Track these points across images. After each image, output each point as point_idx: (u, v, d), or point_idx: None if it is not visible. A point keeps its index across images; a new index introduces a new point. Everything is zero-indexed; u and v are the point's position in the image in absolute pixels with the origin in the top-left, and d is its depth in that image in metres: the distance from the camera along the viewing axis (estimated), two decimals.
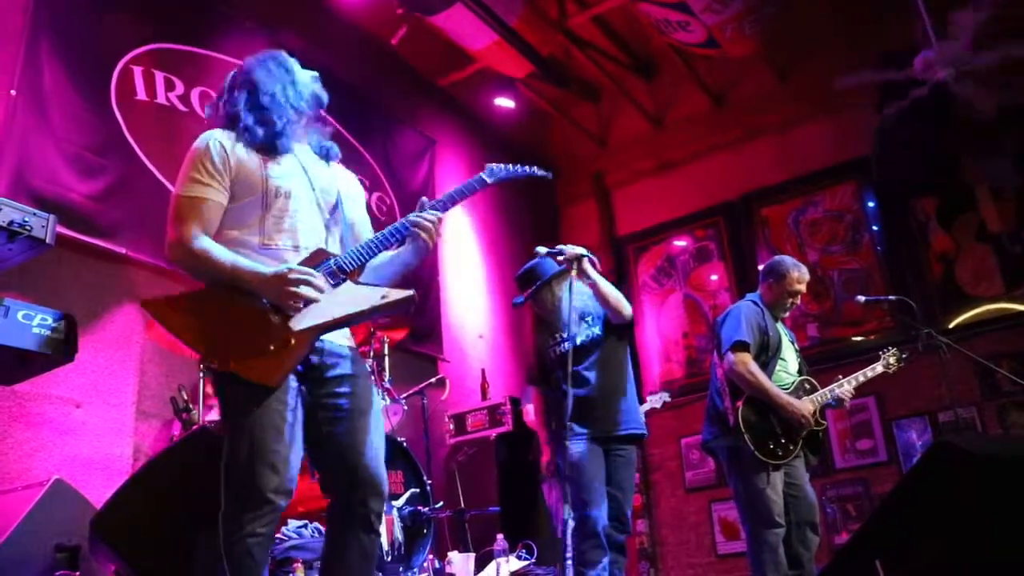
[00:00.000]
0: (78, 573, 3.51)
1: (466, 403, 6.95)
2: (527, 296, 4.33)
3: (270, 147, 2.69)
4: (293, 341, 2.44)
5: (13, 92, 4.58)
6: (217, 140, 2.66)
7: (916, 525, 1.70)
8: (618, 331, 4.34)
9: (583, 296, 4.28)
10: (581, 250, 4.01)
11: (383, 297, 2.55)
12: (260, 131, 2.67)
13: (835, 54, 7.97)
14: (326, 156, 2.90)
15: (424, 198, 2.79)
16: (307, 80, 2.82)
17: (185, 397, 4.29)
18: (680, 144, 9.01)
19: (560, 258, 4.05)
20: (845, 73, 7.44)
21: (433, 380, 5.93)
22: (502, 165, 3.03)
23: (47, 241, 2.77)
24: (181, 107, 5.57)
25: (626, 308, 4.23)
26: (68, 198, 4.71)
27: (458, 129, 8.55)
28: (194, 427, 3.94)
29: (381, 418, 2.71)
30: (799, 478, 4.43)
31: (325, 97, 2.85)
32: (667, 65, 8.94)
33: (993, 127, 7.18)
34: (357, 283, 2.61)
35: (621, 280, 9.02)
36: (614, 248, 9.20)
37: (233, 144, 2.66)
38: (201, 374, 4.43)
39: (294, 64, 2.85)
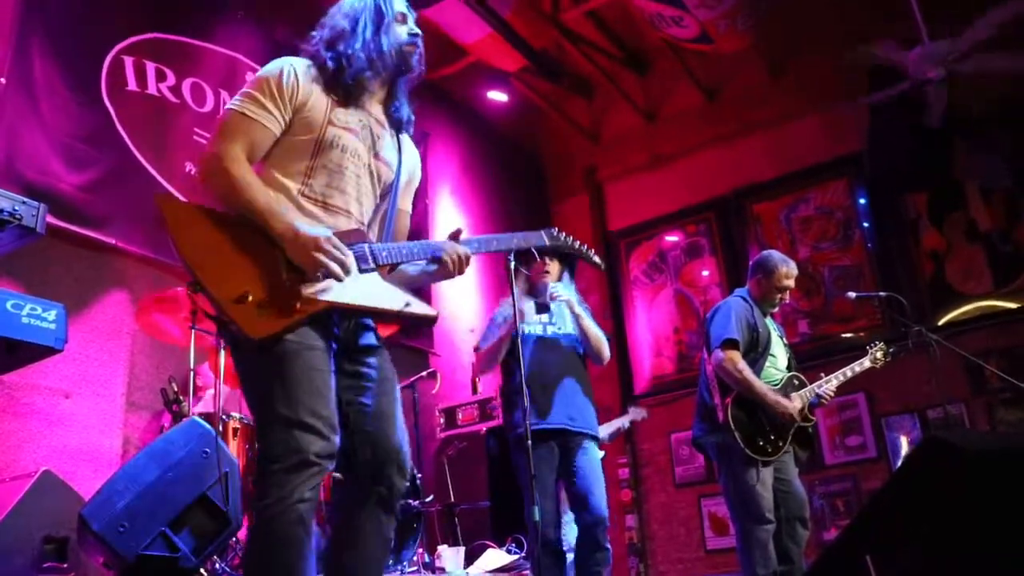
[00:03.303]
0: (66, 564, 3.51)
1: (457, 397, 6.95)
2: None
3: (341, 93, 2.49)
4: (298, 306, 2.23)
5: (3, 81, 4.55)
6: (292, 66, 2.45)
7: (906, 521, 1.71)
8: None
9: (570, 292, 4.40)
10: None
11: (406, 305, 2.40)
12: (332, 71, 2.48)
13: (828, 51, 7.98)
14: (398, 127, 2.67)
15: (459, 228, 2.63)
16: (397, 34, 2.60)
17: (175, 388, 4.27)
18: (672, 139, 9.01)
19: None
20: (837, 71, 7.48)
21: (424, 374, 5.93)
22: (565, 235, 3.01)
23: (37, 230, 2.75)
24: (172, 98, 5.54)
25: (606, 352, 4.39)
26: (58, 188, 4.69)
27: (451, 122, 8.53)
28: (184, 419, 3.93)
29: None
30: (788, 473, 4.44)
31: (413, 62, 2.65)
32: (660, 60, 8.94)
33: (984, 126, 7.21)
34: (384, 279, 2.43)
35: (612, 275, 9.03)
36: (606, 243, 9.20)
37: (308, 77, 2.46)
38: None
39: (394, 10, 2.62)
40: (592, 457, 4.18)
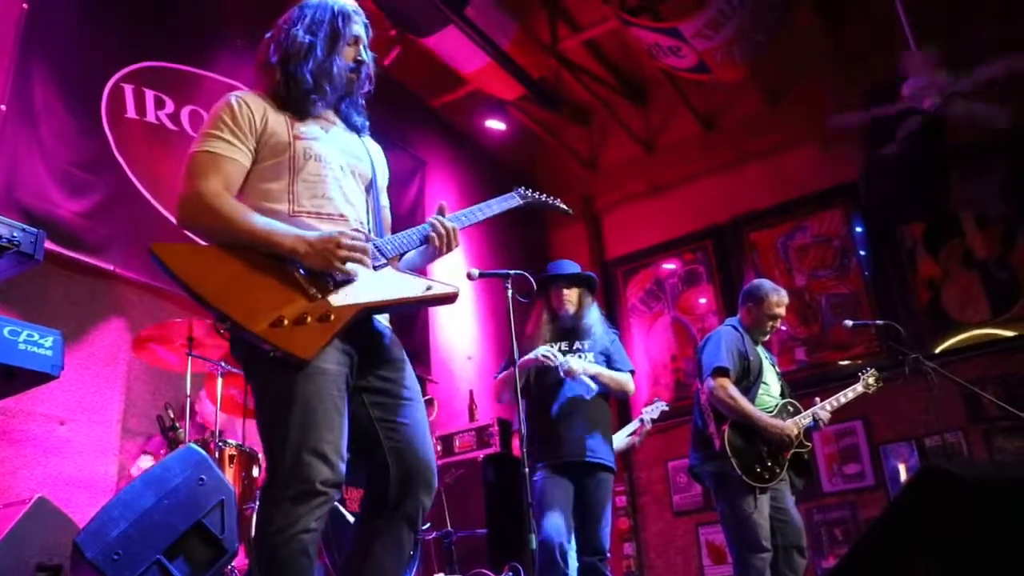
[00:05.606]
0: None
1: (454, 424, 6.92)
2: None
3: (294, 109, 2.47)
4: (333, 316, 2.19)
5: (3, 107, 4.58)
6: (239, 97, 2.43)
7: (903, 550, 1.70)
8: None
9: (598, 322, 4.49)
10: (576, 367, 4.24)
11: (428, 289, 2.38)
12: (282, 92, 2.47)
13: (824, 80, 8.04)
14: (356, 131, 2.66)
15: (444, 203, 2.67)
16: (344, 58, 2.57)
17: (171, 415, 4.25)
18: (670, 168, 9.05)
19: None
20: (834, 100, 7.52)
21: None
22: (532, 192, 3.10)
23: (35, 257, 2.74)
24: (171, 126, 5.56)
25: (630, 389, 4.46)
26: (57, 214, 4.70)
27: (449, 150, 8.56)
28: (180, 445, 3.91)
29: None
30: (785, 502, 4.43)
31: (355, 88, 2.63)
32: (658, 89, 9.00)
33: (980, 154, 7.24)
34: (398, 270, 2.45)
35: (610, 303, 9.03)
36: (603, 271, 9.21)
37: (260, 102, 2.44)
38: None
39: (350, 33, 2.59)
40: (605, 491, 4.23)
